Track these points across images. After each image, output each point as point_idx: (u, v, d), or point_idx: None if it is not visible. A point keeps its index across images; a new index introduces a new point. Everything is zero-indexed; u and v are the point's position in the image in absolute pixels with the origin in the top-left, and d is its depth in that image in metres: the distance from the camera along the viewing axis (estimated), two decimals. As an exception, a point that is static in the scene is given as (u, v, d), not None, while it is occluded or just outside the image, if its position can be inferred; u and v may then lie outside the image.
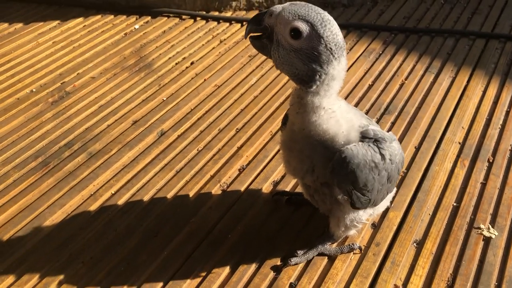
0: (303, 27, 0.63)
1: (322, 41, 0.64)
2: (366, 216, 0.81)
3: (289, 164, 0.78)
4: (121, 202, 0.94)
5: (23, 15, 1.56)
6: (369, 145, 0.71)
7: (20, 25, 1.51)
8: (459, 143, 1.08)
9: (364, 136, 0.72)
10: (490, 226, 0.90)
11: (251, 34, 0.70)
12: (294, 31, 0.64)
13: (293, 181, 0.99)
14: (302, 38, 0.64)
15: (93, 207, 0.93)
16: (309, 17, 0.64)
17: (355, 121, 0.72)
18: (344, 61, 0.67)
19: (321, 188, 0.75)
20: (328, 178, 0.72)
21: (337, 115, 0.70)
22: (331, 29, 0.64)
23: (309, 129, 0.70)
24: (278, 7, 0.66)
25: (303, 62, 0.65)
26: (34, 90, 1.24)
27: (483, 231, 0.89)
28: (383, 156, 0.72)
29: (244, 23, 1.53)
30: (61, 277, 0.81)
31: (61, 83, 1.26)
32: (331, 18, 0.65)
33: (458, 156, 1.05)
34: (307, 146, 0.72)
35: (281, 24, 0.65)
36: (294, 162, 0.76)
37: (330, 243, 0.85)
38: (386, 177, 0.74)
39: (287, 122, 0.75)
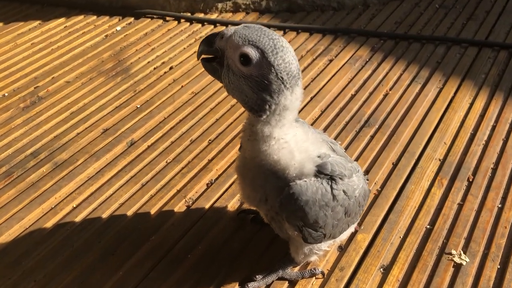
0: (253, 53, 0.59)
1: (272, 70, 0.60)
2: (326, 245, 0.78)
3: (244, 191, 0.75)
4: (81, 216, 0.92)
5: (4, 14, 1.53)
6: (321, 183, 0.67)
7: (-1, 24, 1.49)
8: (440, 160, 1.04)
9: (320, 171, 0.67)
10: (462, 252, 0.86)
11: (203, 56, 0.66)
12: (243, 57, 0.60)
13: (261, 198, 0.95)
14: (252, 65, 0.60)
15: (52, 221, 0.91)
16: (259, 43, 0.60)
17: (312, 151, 0.68)
18: (299, 91, 0.63)
19: (277, 217, 0.72)
20: (278, 212, 0.69)
21: (291, 145, 0.66)
22: (283, 57, 0.60)
23: (260, 158, 0.66)
24: (230, 30, 0.62)
25: (253, 90, 0.61)
26: (6, 94, 1.22)
27: (454, 257, 0.85)
28: (334, 197, 0.68)
29: (229, 26, 1.49)
30: (10, 297, 0.79)
31: (34, 88, 1.24)
32: (285, 44, 0.61)
33: (436, 174, 1.01)
34: (260, 175, 0.68)
35: (231, 48, 0.61)
36: (247, 190, 0.73)
37: (291, 267, 0.82)
38: (343, 212, 0.71)
39: (241, 148, 0.72)
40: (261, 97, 0.61)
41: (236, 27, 0.63)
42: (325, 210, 0.68)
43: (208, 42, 0.64)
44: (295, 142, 0.66)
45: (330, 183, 0.68)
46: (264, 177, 0.68)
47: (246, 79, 0.61)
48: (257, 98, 0.61)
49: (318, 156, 0.68)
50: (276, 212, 0.71)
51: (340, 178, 0.68)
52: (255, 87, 0.61)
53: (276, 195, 0.68)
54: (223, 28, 1.48)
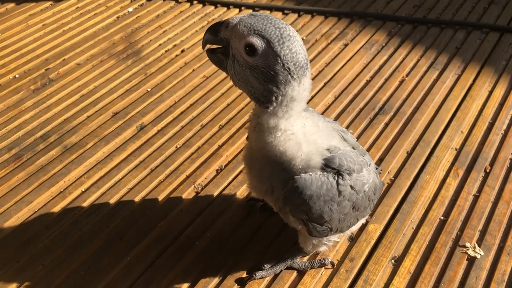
0: (258, 43, 0.57)
1: (278, 60, 0.57)
2: (335, 236, 0.76)
3: (251, 181, 0.73)
4: (90, 201, 0.91)
5: (16, -6, 1.52)
6: (327, 178, 0.65)
7: (12, 5, 1.47)
8: (456, 149, 1.01)
9: (327, 165, 0.65)
10: (477, 245, 0.83)
11: (209, 47, 0.64)
12: (248, 47, 0.58)
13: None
14: (257, 55, 0.58)
15: (61, 205, 0.90)
16: (265, 32, 0.57)
17: (321, 143, 0.66)
18: (307, 82, 0.60)
19: (284, 208, 0.70)
20: (282, 205, 0.67)
21: (298, 136, 0.64)
22: (290, 47, 0.58)
23: (267, 149, 0.64)
24: (235, 18, 0.60)
25: (259, 81, 0.59)
26: (17, 76, 1.21)
27: (468, 250, 0.83)
28: (340, 193, 0.66)
29: (243, 8, 1.46)
30: (18, 280, 0.78)
31: (45, 70, 1.23)
32: (292, 33, 0.58)
33: (452, 164, 0.98)
34: (266, 167, 0.66)
35: (236, 37, 0.59)
36: (254, 181, 0.71)
37: (300, 256, 0.80)
38: (350, 206, 0.68)
39: (248, 138, 0.70)
40: (267, 88, 0.59)
41: (242, 15, 0.61)
42: (330, 205, 0.66)
43: (213, 31, 0.62)
44: (303, 133, 0.64)
45: (336, 178, 0.65)
46: (271, 169, 0.66)
47: (252, 69, 0.59)
48: (263, 89, 0.59)
49: (327, 149, 0.66)
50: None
51: (348, 173, 0.66)
52: (261, 78, 0.59)
53: (282, 188, 0.66)
54: (236, 10, 1.45)
